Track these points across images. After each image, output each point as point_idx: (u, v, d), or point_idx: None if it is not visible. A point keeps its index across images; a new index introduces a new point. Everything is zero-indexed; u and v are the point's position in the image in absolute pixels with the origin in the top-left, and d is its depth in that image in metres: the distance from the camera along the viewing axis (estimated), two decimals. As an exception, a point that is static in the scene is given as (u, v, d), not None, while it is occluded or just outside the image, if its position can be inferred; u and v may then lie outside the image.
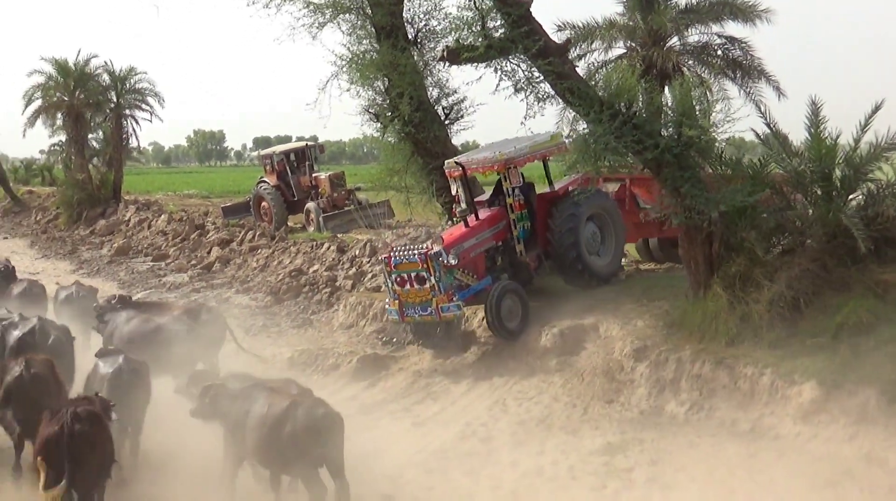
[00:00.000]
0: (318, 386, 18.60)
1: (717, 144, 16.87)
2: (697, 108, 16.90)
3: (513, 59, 17.19)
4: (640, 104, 16.78)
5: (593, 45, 29.42)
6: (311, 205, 35.36)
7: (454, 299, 18.58)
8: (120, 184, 49.86)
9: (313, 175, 37.25)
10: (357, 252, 27.09)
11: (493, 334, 18.89)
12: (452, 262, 18.54)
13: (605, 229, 20.47)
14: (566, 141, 19.72)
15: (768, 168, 16.99)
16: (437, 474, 14.23)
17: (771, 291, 15.84)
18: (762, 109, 17.83)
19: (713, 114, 16.81)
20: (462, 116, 22.50)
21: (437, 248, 18.63)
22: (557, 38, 19.31)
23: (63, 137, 53.00)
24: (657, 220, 20.77)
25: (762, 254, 16.62)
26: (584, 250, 19.76)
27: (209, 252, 34.37)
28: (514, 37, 16.79)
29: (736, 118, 16.71)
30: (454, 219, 20.73)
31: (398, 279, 18.89)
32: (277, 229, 35.05)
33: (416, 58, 21.07)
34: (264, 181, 38.07)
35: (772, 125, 17.32)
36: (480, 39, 17.10)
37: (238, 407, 12.88)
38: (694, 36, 29.61)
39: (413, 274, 18.68)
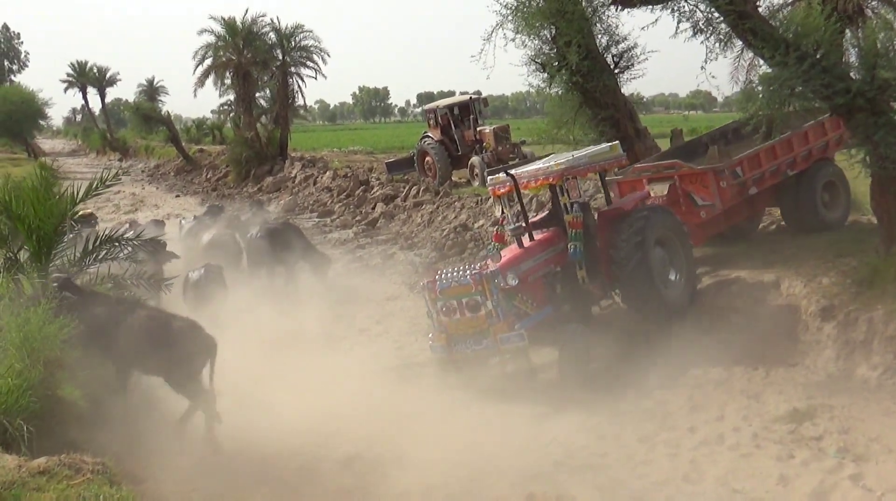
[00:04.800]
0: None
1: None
2: (889, 49, 15.63)
3: (690, -1, 16.23)
4: (828, 46, 15.60)
5: (771, -13, 27.89)
6: (475, 159, 34.95)
7: (516, 327, 15.87)
8: (286, 141, 50.72)
9: (477, 129, 36.81)
10: (526, 202, 26.49)
11: (562, 377, 16.06)
12: (513, 283, 16.06)
13: (674, 253, 17.83)
14: (623, 154, 18.44)
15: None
16: (609, 439, 13.59)
17: (974, 247, 14.64)
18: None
19: (910, 54, 15.49)
20: (633, 65, 21.65)
21: (493, 267, 16.21)
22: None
23: (232, 97, 54.05)
24: (723, 212, 19.20)
25: (964, 207, 15.38)
26: (655, 275, 17.22)
27: (374, 208, 34.45)
28: (691, -25, 15.84)
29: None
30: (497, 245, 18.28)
31: (445, 308, 16.15)
32: (441, 184, 34.86)
33: (584, 4, 20.20)
34: (428, 136, 37.88)
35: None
36: (656, -21, 16.20)
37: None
38: (878, -26, 27.69)
39: (464, 300, 15.96)
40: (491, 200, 28.09)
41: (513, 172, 17.55)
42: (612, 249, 17.25)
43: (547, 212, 18.66)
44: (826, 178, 20.39)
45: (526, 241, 17.26)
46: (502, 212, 18.22)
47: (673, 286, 17.63)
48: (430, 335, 16.65)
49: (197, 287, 20.23)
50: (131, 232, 19.93)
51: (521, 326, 15.92)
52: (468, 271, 16.04)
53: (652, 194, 19.22)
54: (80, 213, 21.75)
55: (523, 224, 17.64)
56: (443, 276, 16.23)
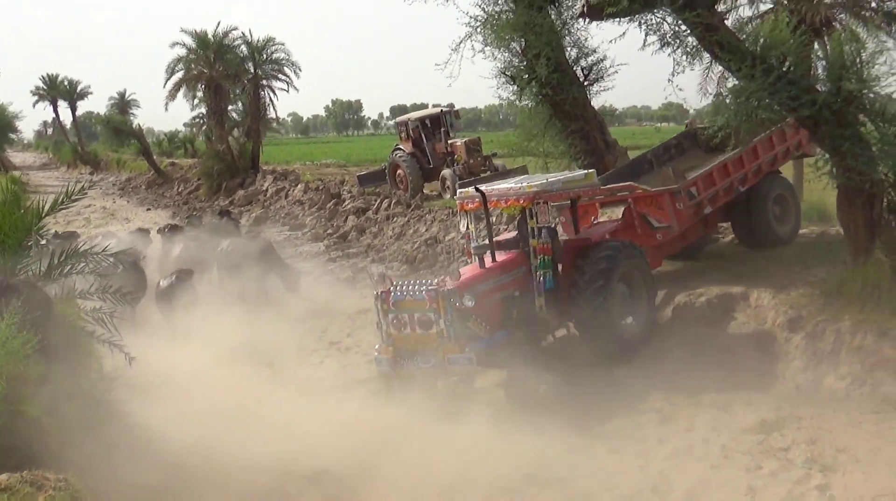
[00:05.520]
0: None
1: (881, 100, 15.60)
2: (856, 61, 15.71)
3: (658, 12, 16.21)
4: (794, 59, 15.68)
5: (738, 1, 28.01)
6: (446, 172, 34.88)
7: (466, 349, 15.27)
8: (258, 154, 50.59)
9: (449, 142, 36.74)
10: (493, 220, 26.45)
11: (510, 399, 15.65)
12: (469, 304, 15.38)
13: (636, 290, 17.31)
14: (598, 183, 17.94)
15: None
16: (579, 452, 13.53)
17: (939, 257, 14.72)
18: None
19: (875, 67, 15.57)
20: (602, 77, 21.64)
21: (450, 285, 15.53)
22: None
23: (204, 110, 53.97)
24: (680, 233, 18.95)
25: (929, 218, 15.47)
26: (614, 314, 16.71)
27: (345, 221, 34.38)
28: (658, -12, 15.86)
29: (904, 71, 15.45)
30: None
31: (396, 321, 15.67)
32: (413, 197, 34.79)
33: (553, 17, 20.23)
34: (399, 149, 37.80)
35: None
36: (624, -8, 16.17)
37: None
38: (846, -12, 27.87)
39: (416, 316, 15.49)
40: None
41: (483, 188, 16.99)
42: (575, 276, 16.78)
43: (514, 233, 18.11)
44: (776, 191, 20.41)
45: (488, 261, 16.77)
46: (468, 227, 17.66)
47: (631, 323, 17.18)
48: (377, 347, 16.16)
49: (167, 295, 20.49)
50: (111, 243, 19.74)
51: (471, 348, 15.34)
52: (424, 287, 15.57)
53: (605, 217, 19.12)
54: (63, 231, 21.75)
55: (487, 242, 17.10)
56: (398, 288, 15.75)
